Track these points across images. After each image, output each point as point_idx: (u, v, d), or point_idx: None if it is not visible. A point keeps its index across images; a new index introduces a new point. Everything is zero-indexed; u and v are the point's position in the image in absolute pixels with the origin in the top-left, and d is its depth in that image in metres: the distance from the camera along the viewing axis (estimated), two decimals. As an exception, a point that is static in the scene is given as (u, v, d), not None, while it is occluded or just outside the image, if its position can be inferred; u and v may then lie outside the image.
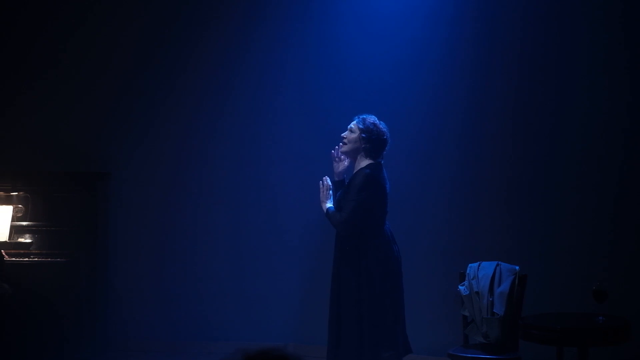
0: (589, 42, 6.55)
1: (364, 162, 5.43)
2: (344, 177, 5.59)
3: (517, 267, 5.70)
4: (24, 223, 7.03)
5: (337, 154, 5.59)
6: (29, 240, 6.94)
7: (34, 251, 6.88)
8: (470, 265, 5.81)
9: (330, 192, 5.51)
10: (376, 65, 7.04)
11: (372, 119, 5.47)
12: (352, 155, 5.48)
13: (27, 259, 6.80)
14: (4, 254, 6.54)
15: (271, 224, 7.34)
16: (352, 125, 5.49)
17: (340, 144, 5.52)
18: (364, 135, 5.42)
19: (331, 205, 5.47)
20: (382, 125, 5.47)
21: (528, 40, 6.72)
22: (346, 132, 5.50)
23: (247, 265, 7.37)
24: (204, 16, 7.39)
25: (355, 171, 5.46)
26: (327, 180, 5.53)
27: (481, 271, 5.74)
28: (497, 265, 5.74)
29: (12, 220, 6.95)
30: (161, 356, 7.24)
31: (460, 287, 5.78)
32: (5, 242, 6.83)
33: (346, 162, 5.58)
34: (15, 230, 6.97)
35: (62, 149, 7.42)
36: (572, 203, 6.58)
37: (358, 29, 7.09)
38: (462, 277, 5.82)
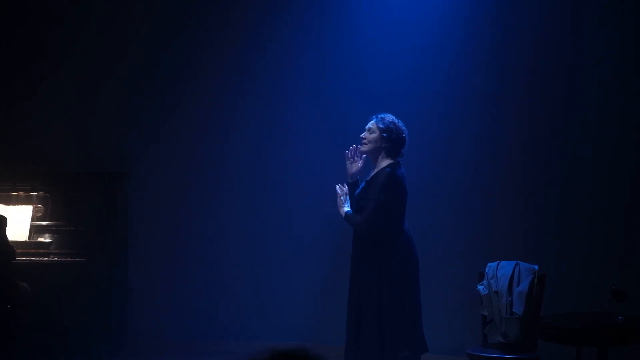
0: (603, 46, 6.57)
1: (384, 162, 5.42)
2: (357, 178, 5.56)
3: (536, 267, 5.70)
4: (44, 223, 7.06)
5: (352, 154, 5.55)
6: (48, 240, 6.98)
7: (53, 250, 6.92)
8: (489, 264, 5.81)
9: (347, 196, 5.50)
10: (392, 67, 7.03)
11: (390, 117, 5.46)
12: (373, 155, 5.46)
13: (46, 258, 6.84)
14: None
15: (288, 223, 7.34)
16: (371, 125, 5.46)
17: (359, 145, 5.50)
18: (384, 134, 5.40)
19: (349, 209, 5.46)
20: (400, 124, 5.45)
21: (543, 42, 6.73)
22: (365, 133, 5.48)
23: (264, 264, 7.38)
24: (221, 16, 7.40)
25: (376, 171, 5.44)
26: (344, 186, 5.52)
27: (500, 270, 5.74)
28: (516, 264, 5.74)
29: (32, 220, 6.99)
30: (178, 355, 7.25)
31: (479, 286, 5.78)
32: (25, 241, 6.87)
33: (359, 163, 5.53)
34: (35, 230, 7.01)
35: (81, 149, 7.44)
36: (591, 202, 6.57)
37: (374, 31, 7.09)
38: (481, 277, 5.82)
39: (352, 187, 5.52)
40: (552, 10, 6.69)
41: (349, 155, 5.53)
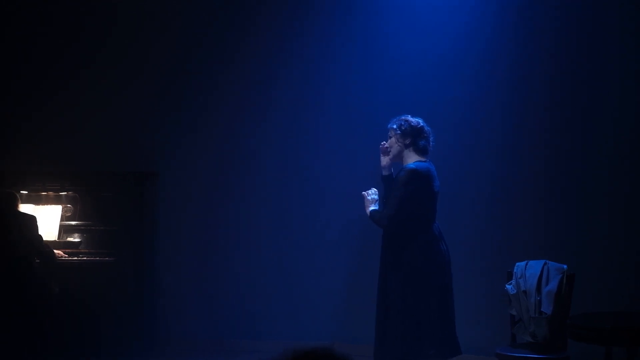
0: (623, 51, 6.57)
1: (410, 159, 5.42)
2: (392, 171, 5.56)
3: (564, 266, 5.66)
4: (73, 222, 7.11)
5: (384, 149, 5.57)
6: (77, 240, 7.02)
7: (82, 250, 6.96)
8: (517, 264, 5.78)
9: (376, 196, 5.50)
10: (420, 61, 7.04)
11: (400, 117, 5.48)
12: (399, 158, 5.47)
13: (76, 258, 6.88)
14: (58, 252, 6.61)
15: (316, 223, 7.35)
16: (388, 133, 5.50)
17: (386, 152, 5.51)
18: (397, 132, 5.43)
19: (374, 207, 5.46)
20: (414, 117, 5.46)
21: (565, 48, 6.75)
22: (386, 142, 5.51)
23: (293, 263, 7.39)
24: (249, 19, 7.42)
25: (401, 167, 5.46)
26: (373, 191, 5.51)
27: (529, 270, 5.70)
28: (545, 264, 5.70)
29: (61, 219, 7.04)
30: (207, 354, 7.27)
31: (507, 286, 5.75)
32: (55, 241, 6.92)
33: (391, 156, 5.56)
34: (64, 230, 7.06)
35: (110, 149, 7.49)
36: (620, 201, 6.53)
37: (402, 25, 7.10)
38: (509, 276, 5.79)
39: (386, 180, 5.52)
40: (573, 17, 6.68)
41: (383, 147, 5.53)
